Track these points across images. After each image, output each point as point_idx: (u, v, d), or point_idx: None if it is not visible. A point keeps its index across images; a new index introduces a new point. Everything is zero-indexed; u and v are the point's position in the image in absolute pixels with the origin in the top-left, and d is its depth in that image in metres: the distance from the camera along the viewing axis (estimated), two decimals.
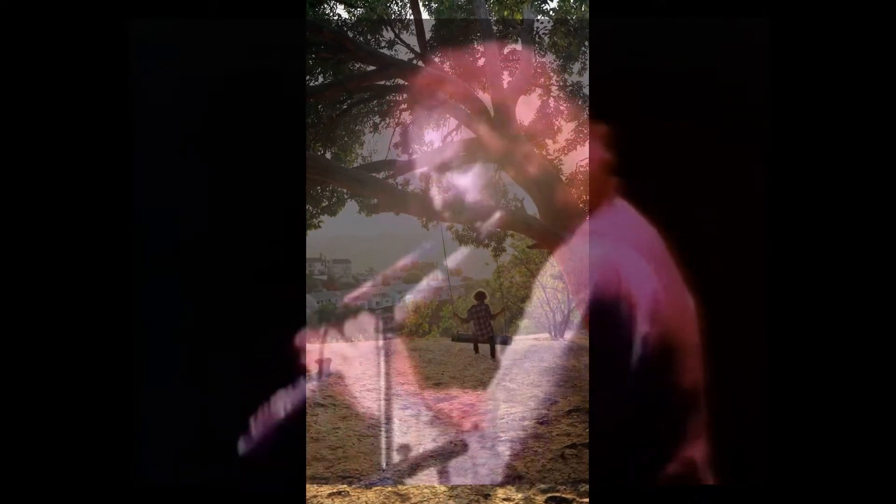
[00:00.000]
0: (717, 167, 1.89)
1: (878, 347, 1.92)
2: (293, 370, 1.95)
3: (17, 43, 1.89)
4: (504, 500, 2.93)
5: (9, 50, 1.89)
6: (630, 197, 1.85)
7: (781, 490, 1.89)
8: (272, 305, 1.93)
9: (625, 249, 1.76)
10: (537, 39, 7.24)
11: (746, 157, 1.90)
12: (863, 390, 1.94)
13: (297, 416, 1.98)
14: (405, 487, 3.13)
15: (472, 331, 7.02)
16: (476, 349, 7.04)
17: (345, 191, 7.45)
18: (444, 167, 6.89)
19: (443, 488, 3.11)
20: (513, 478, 3.23)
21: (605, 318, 1.73)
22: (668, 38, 1.85)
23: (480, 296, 7.15)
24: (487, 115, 6.15)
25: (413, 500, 2.92)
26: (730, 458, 1.81)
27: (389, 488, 3.11)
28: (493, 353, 6.94)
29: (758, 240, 1.89)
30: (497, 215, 5.49)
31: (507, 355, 8.12)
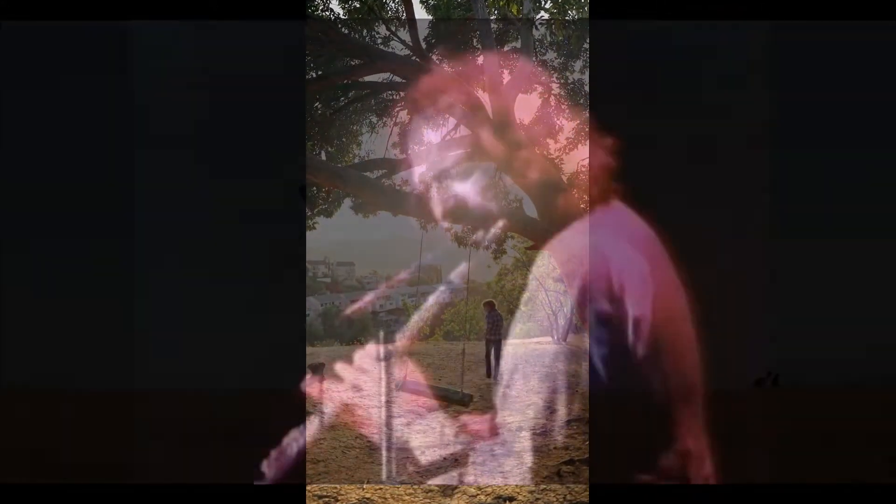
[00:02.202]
0: (717, 168, 1.94)
1: (879, 345, 1.98)
2: (292, 371, 2.02)
3: (17, 43, 1.94)
4: None
5: (8, 50, 1.94)
6: (629, 195, 1.85)
7: (782, 490, 1.90)
8: (272, 306, 2.00)
9: (613, 239, 1.74)
10: (536, 34, 7.08)
11: (747, 158, 1.93)
12: (862, 391, 2.03)
13: (297, 416, 2.06)
14: None
15: (487, 336, 7.09)
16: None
17: (341, 192, 7.30)
18: (442, 167, 6.72)
19: None
20: (503, 499, 3.02)
21: (599, 305, 1.71)
22: (669, 38, 1.91)
23: (490, 305, 7.38)
24: (486, 115, 5.99)
25: None
26: (729, 457, 1.89)
27: None
28: (496, 362, 6.81)
29: (757, 238, 1.91)
30: (500, 224, 5.32)
31: (507, 360, 7.94)
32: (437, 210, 5.29)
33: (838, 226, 1.89)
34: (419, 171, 7.07)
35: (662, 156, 1.95)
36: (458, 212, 5.18)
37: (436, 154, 6.86)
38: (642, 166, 1.93)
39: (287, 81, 2.01)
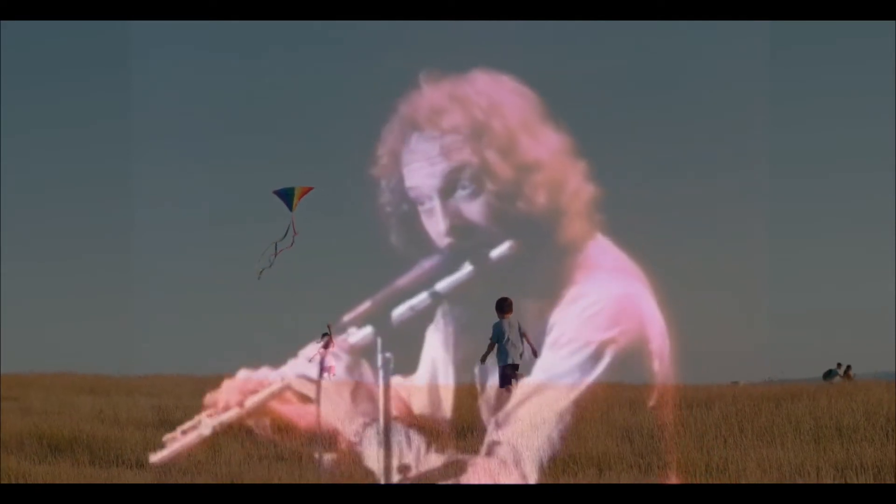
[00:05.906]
0: (717, 174, 1.92)
1: (881, 357, 1.98)
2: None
3: (18, 43, 1.95)
4: None
5: (9, 50, 1.95)
6: (625, 203, 1.83)
7: (782, 490, 1.94)
8: (272, 306, 2.03)
9: (638, 286, 1.73)
10: None
11: (746, 160, 1.92)
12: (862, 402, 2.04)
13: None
14: None
15: None
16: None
17: None
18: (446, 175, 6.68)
19: None
20: None
21: (626, 353, 1.72)
22: (668, 38, 1.89)
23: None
24: (494, 125, 5.97)
25: None
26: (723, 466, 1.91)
27: None
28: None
29: (759, 246, 1.91)
30: (507, 245, 5.30)
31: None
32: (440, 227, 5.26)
33: (839, 231, 1.86)
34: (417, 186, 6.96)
35: (661, 161, 1.92)
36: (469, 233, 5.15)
37: (440, 159, 6.81)
38: (639, 169, 1.91)
39: (286, 79, 2.01)
